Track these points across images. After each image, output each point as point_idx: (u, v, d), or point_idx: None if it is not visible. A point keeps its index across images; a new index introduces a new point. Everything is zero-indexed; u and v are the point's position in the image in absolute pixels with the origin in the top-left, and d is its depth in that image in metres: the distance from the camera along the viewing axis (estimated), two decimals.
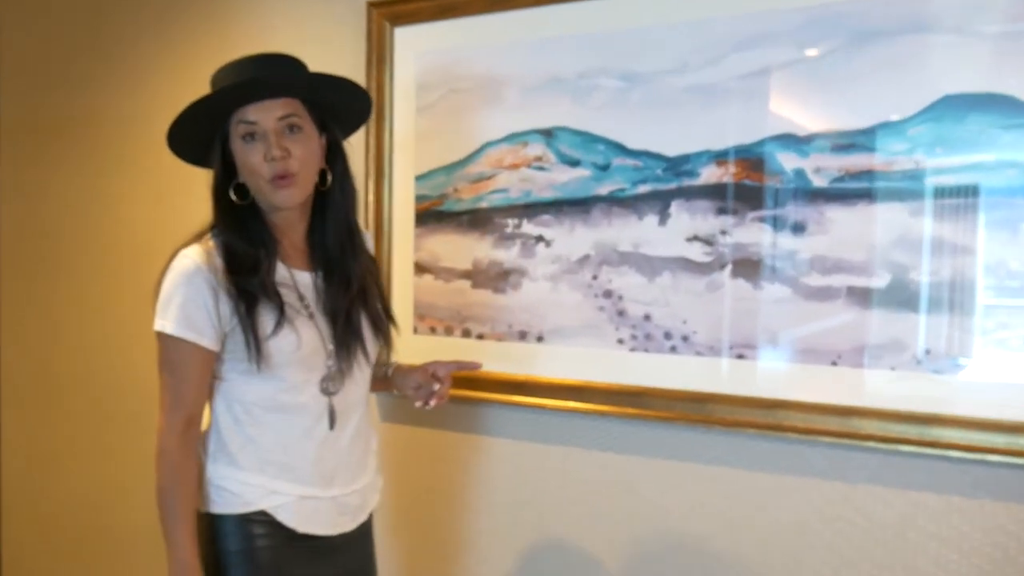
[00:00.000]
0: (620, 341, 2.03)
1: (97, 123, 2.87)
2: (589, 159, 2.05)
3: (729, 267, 1.90)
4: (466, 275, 2.22)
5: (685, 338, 1.96)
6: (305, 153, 1.61)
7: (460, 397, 2.19)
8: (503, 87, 2.14)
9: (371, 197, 2.32)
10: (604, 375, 2.06)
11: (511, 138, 2.14)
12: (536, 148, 2.11)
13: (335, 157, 1.70)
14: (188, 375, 1.59)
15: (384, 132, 2.30)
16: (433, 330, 2.28)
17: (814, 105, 1.80)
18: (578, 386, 2.08)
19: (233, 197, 1.63)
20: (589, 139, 2.05)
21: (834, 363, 1.81)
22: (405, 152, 2.29)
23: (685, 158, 1.94)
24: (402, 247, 2.31)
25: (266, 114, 1.58)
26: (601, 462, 2.10)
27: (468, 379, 2.20)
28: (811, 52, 1.80)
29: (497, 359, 2.18)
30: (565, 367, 2.10)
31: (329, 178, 1.68)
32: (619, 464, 2.08)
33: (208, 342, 1.58)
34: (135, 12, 2.78)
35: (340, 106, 1.70)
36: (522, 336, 2.15)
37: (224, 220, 1.63)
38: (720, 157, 1.90)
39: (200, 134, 1.63)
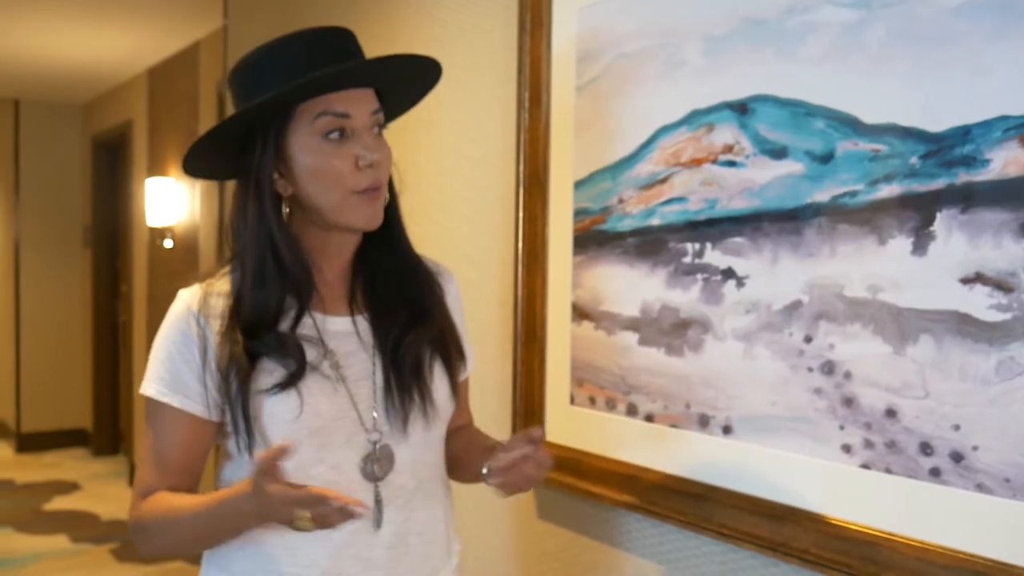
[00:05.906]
0: (846, 449, 1.20)
1: None
2: (801, 145, 1.25)
3: None
4: (632, 325, 1.51)
5: (957, 457, 1.09)
6: (389, 161, 1.21)
7: (626, 503, 1.50)
8: (683, 42, 1.41)
9: (522, 214, 1.70)
10: (819, 502, 1.24)
11: (692, 119, 1.40)
12: (725, 132, 1.35)
13: None
14: (168, 446, 1.20)
15: (540, 124, 1.67)
16: (592, 401, 1.59)
17: None
18: (781, 512, 1.28)
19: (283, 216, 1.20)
20: (801, 112, 1.25)
21: None
22: (562, 150, 1.64)
23: (962, 134, 1.08)
24: (558, 282, 1.66)
25: (359, 106, 1.17)
26: None
27: (628, 477, 1.50)
28: None
29: (670, 454, 1.45)
30: (762, 480, 1.31)
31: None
32: None
33: (197, 408, 1.18)
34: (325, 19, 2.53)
35: (401, 90, 1.27)
36: (703, 423, 1.40)
37: (262, 248, 1.17)
38: None
39: (233, 140, 1.20)
